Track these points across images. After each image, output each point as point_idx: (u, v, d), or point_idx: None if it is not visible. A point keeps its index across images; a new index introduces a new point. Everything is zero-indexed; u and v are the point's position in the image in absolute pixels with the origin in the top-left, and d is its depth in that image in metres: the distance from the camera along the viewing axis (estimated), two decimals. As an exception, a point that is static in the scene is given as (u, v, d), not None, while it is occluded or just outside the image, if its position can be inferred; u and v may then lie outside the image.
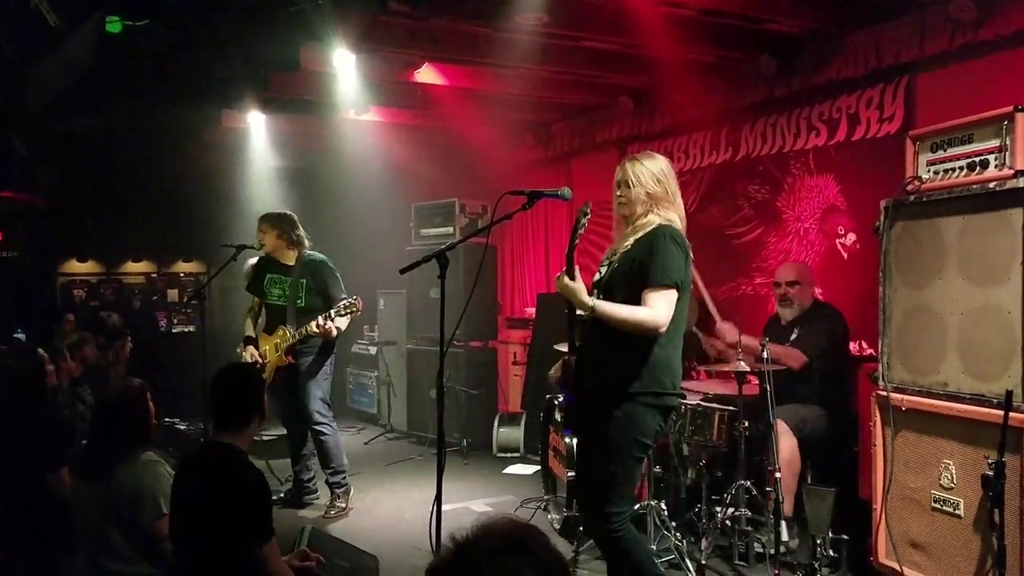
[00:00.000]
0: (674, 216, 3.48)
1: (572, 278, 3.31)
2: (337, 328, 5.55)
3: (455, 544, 1.40)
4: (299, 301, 5.70)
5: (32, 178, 9.43)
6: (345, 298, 5.58)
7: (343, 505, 5.77)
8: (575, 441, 4.97)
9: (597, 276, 3.61)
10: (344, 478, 5.83)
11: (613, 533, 3.38)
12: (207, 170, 9.84)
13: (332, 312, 5.48)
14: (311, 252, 5.84)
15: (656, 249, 3.32)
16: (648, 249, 3.34)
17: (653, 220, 3.44)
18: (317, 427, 5.72)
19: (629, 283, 3.37)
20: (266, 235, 5.76)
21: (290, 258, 5.79)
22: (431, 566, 1.41)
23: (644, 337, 3.33)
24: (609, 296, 3.41)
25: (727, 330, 5.16)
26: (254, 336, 5.86)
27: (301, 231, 5.83)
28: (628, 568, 3.43)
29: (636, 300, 3.32)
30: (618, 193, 3.56)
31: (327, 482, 5.83)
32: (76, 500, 3.61)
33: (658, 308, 3.28)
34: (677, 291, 3.32)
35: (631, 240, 3.44)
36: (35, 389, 4.13)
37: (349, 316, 5.57)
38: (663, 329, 3.30)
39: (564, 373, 3.70)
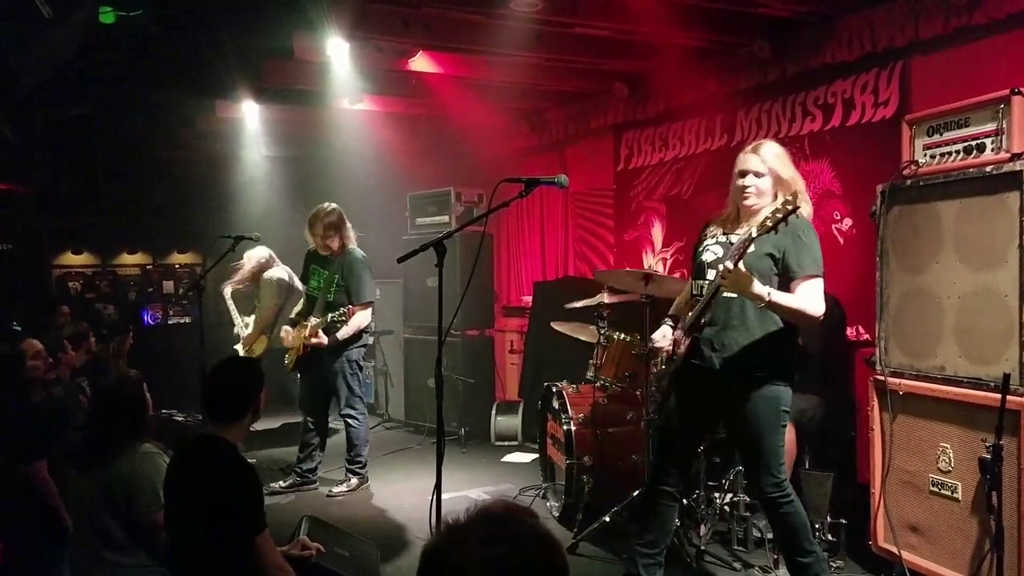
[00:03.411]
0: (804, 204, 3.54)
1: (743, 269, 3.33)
2: (334, 339, 5.70)
3: (448, 527, 1.41)
4: (329, 295, 5.88)
5: (25, 169, 9.38)
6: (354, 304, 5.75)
7: (352, 487, 5.94)
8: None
9: (709, 256, 3.66)
10: (362, 468, 6.01)
11: (786, 498, 3.57)
12: (201, 160, 9.81)
13: (327, 319, 5.62)
14: (352, 248, 5.98)
15: (803, 240, 3.43)
16: (792, 240, 3.42)
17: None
18: (348, 419, 5.92)
19: (773, 273, 3.47)
20: (332, 239, 5.87)
21: (331, 252, 5.95)
22: (425, 547, 1.42)
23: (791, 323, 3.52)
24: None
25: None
26: (294, 321, 6.09)
27: (349, 226, 5.96)
28: (796, 528, 3.59)
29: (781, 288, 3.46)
30: (748, 184, 3.58)
31: (346, 466, 6.03)
32: (75, 491, 3.61)
33: (818, 298, 3.44)
34: (823, 279, 3.49)
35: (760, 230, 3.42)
36: (11, 377, 4.14)
37: (343, 326, 5.70)
38: (821, 319, 3.47)
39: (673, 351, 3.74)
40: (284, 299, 6.61)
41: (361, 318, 5.83)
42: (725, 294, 3.51)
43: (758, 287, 3.30)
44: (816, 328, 4.79)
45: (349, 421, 5.92)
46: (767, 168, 3.55)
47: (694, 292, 3.72)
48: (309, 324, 5.79)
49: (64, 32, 5.42)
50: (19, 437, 3.90)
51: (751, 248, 3.33)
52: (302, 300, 6.22)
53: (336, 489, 5.93)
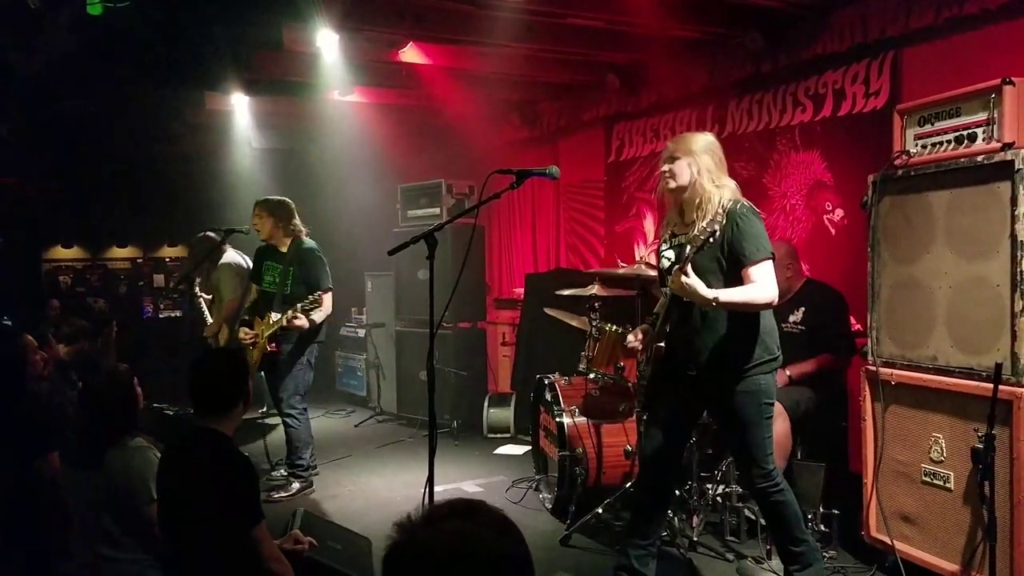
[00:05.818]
0: (732, 186, 3.62)
1: (688, 276, 3.35)
2: (311, 321, 5.50)
3: (408, 518, 1.41)
4: (286, 288, 5.68)
5: (15, 163, 9.33)
6: (319, 291, 5.55)
7: (293, 492, 5.66)
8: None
9: (665, 263, 3.71)
10: (304, 471, 5.78)
11: (775, 488, 3.61)
12: (191, 153, 9.76)
13: (299, 306, 5.42)
14: (304, 240, 5.80)
15: (742, 227, 3.45)
16: (732, 228, 3.45)
17: (719, 196, 3.53)
18: (286, 418, 5.74)
19: (721, 265, 3.50)
20: (262, 220, 5.74)
21: (284, 245, 5.78)
22: (387, 546, 1.39)
23: (753, 312, 3.53)
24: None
25: None
26: (248, 319, 5.87)
27: (297, 220, 5.80)
28: (788, 518, 3.63)
29: (734, 280, 3.48)
30: (665, 168, 3.66)
31: (287, 470, 5.82)
32: (69, 487, 3.59)
33: (768, 282, 3.44)
34: (772, 260, 3.48)
35: (704, 223, 3.49)
36: (15, 373, 4.11)
37: (316, 310, 5.49)
38: (776, 301, 3.47)
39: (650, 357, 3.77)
40: (245, 287, 6.41)
41: (327, 303, 5.64)
42: (686, 298, 3.54)
43: (704, 291, 3.33)
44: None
45: (289, 421, 5.70)
46: (680, 151, 3.64)
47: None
48: (272, 318, 5.59)
49: (57, 34, 5.39)
50: (29, 432, 3.87)
51: (696, 254, 3.43)
52: (253, 296, 6.03)
53: (276, 495, 5.57)
